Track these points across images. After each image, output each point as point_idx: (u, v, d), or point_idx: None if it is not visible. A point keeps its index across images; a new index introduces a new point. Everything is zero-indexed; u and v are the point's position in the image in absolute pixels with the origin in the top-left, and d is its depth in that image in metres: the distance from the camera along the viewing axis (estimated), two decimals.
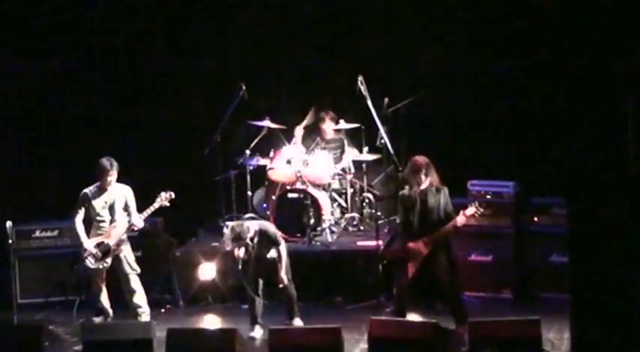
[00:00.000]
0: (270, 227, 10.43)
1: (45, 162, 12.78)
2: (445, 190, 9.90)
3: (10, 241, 11.54)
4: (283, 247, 10.24)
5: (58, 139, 12.87)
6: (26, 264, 11.66)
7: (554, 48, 11.56)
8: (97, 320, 10.57)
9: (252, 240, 10.08)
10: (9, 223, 11.56)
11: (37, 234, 11.74)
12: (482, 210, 9.96)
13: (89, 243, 10.41)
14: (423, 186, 9.84)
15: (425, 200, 9.82)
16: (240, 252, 10.08)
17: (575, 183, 7.39)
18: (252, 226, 10.17)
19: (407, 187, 9.97)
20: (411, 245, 9.81)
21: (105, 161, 10.45)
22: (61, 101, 12.89)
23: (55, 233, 11.75)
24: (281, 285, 10.18)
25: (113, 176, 10.45)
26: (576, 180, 7.39)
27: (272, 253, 10.17)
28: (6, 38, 12.79)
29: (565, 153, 7.56)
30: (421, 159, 9.90)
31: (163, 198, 10.53)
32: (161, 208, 10.62)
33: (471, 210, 9.85)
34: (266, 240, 10.17)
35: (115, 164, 10.45)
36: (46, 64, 12.82)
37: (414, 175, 9.87)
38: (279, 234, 10.32)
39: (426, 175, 9.83)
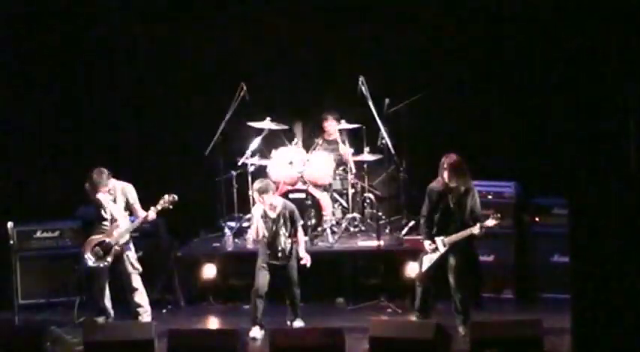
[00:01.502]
0: (293, 206, 10.48)
1: (46, 163, 12.77)
2: (474, 192, 9.88)
3: (12, 242, 11.55)
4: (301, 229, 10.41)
5: (59, 140, 12.86)
6: (27, 265, 11.65)
7: (554, 47, 11.55)
8: (98, 320, 10.56)
9: (278, 210, 10.19)
10: (10, 224, 11.56)
11: (39, 234, 11.74)
12: (500, 219, 9.94)
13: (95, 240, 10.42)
14: (453, 185, 9.82)
15: (453, 198, 9.80)
16: (260, 227, 10.17)
17: (576, 182, 7.39)
18: (278, 199, 10.34)
19: (437, 181, 9.94)
20: (427, 243, 9.85)
21: (95, 176, 10.40)
22: (61, 102, 12.88)
23: (56, 234, 11.76)
24: (302, 262, 10.28)
25: (109, 185, 10.44)
26: (577, 179, 7.39)
27: (286, 233, 10.26)
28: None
29: (566, 153, 7.57)
30: (452, 157, 9.86)
31: (167, 201, 10.51)
32: (164, 210, 10.61)
33: (491, 222, 9.81)
34: (288, 216, 10.24)
35: (106, 173, 10.43)
36: (45, 66, 12.82)
37: (445, 172, 9.83)
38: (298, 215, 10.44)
39: (455, 174, 9.79)
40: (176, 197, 10.54)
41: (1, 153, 12.71)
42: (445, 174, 9.82)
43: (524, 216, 11.41)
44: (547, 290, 11.06)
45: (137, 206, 10.55)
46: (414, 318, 10.13)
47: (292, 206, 10.43)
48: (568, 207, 7.75)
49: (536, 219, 11.35)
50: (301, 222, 10.47)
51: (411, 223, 11.89)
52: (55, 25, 12.79)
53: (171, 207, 10.56)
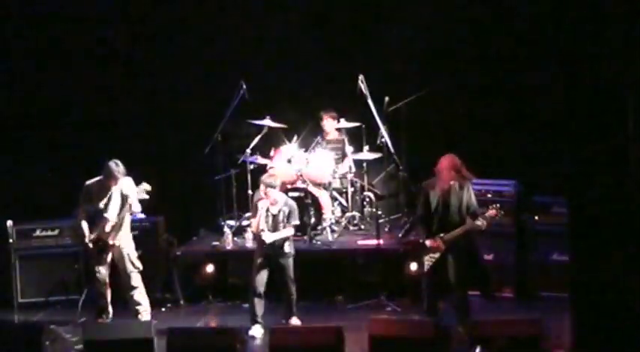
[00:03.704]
0: (294, 204, 10.50)
1: (45, 162, 12.77)
2: (469, 186, 9.86)
3: (11, 240, 11.56)
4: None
5: (59, 139, 12.85)
6: (27, 264, 11.65)
7: (553, 47, 11.56)
8: (98, 319, 10.54)
9: (279, 207, 10.22)
10: (9, 222, 11.58)
11: (38, 233, 11.73)
12: (502, 212, 9.93)
13: (90, 238, 10.33)
14: (451, 183, 9.79)
15: (448, 196, 9.79)
16: (262, 220, 10.17)
17: (575, 182, 7.39)
18: (281, 195, 10.35)
19: (432, 179, 9.92)
20: (428, 242, 9.82)
21: (113, 166, 10.34)
22: (61, 101, 12.88)
23: (56, 232, 11.75)
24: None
25: (120, 179, 10.37)
26: (576, 179, 7.39)
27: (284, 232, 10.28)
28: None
29: (565, 152, 7.59)
30: (450, 157, 9.85)
31: (140, 190, 10.38)
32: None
33: (492, 212, 9.81)
34: (286, 214, 10.26)
35: (122, 168, 10.36)
36: (45, 66, 12.82)
37: (443, 172, 9.82)
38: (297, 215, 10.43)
39: (455, 173, 9.78)
40: (146, 184, 10.40)
41: (0, 153, 12.71)
42: (448, 175, 9.78)
43: (524, 215, 11.40)
44: (547, 288, 11.05)
45: (133, 198, 10.38)
46: (414, 317, 10.12)
47: (293, 204, 10.43)
48: (567, 206, 7.75)
49: (536, 217, 11.35)
50: (296, 223, 10.40)
51: (407, 225, 11.87)
52: (54, 25, 12.81)
53: (146, 196, 10.40)
